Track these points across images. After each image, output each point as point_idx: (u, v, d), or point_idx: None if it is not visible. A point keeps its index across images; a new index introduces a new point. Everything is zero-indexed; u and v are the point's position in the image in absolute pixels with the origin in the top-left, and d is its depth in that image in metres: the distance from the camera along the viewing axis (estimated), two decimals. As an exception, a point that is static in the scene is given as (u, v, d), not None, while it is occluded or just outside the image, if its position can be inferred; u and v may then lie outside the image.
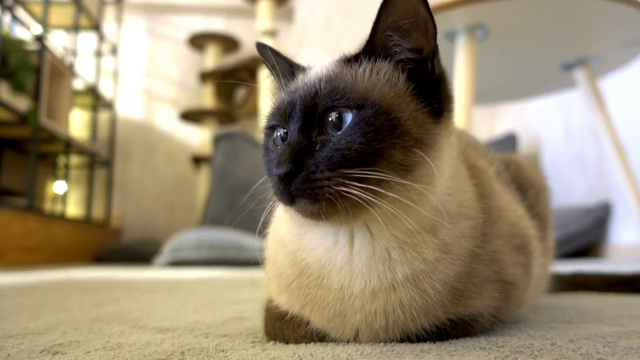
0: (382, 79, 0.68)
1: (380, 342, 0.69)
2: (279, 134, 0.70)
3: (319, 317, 0.71)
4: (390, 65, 0.69)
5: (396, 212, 0.64)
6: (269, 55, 0.78)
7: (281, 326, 0.75)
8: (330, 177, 0.61)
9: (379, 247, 0.67)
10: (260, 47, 0.79)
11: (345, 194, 0.61)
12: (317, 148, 0.64)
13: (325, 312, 0.70)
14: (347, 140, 0.63)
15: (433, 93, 0.68)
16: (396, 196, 0.63)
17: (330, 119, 0.65)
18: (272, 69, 0.78)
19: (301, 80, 0.72)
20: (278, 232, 0.78)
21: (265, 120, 0.74)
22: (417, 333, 0.69)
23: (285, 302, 0.75)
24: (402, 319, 0.67)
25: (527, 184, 1.02)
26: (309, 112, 0.66)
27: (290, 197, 0.64)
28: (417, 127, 0.65)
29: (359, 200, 0.61)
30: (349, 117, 0.64)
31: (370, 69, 0.69)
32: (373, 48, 0.69)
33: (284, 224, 0.76)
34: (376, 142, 0.62)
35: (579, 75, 2.76)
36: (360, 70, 0.69)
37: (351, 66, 0.70)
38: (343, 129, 0.64)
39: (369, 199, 0.61)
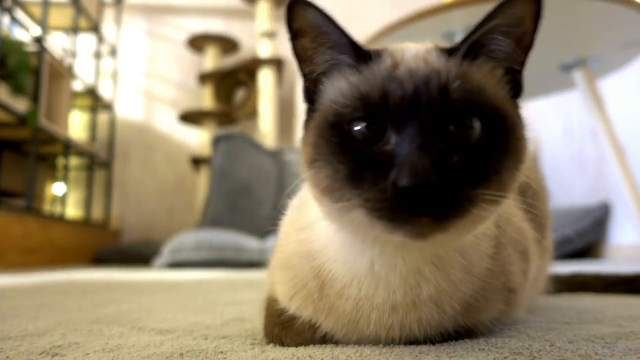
0: (502, 86, 0.61)
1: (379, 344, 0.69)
2: (360, 127, 0.55)
3: (331, 324, 0.69)
4: (502, 69, 0.60)
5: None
6: (317, 18, 0.61)
7: (283, 329, 0.73)
8: (471, 197, 0.52)
9: (418, 263, 0.62)
10: (303, 4, 0.61)
11: (475, 217, 0.54)
12: (454, 160, 0.53)
13: (339, 320, 0.68)
14: (485, 156, 0.54)
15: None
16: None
17: (462, 123, 0.55)
18: (320, 36, 0.62)
19: (403, 66, 0.58)
20: (308, 242, 0.69)
21: (339, 108, 0.58)
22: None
23: (295, 308, 0.72)
24: (415, 334, 0.66)
25: (525, 185, 1.02)
26: (436, 111, 0.54)
27: (410, 214, 0.51)
28: (525, 147, 0.59)
29: (476, 224, 0.56)
30: (478, 125, 0.55)
31: (490, 71, 0.60)
32: (474, 45, 0.59)
33: (318, 232, 0.69)
34: (506, 162, 0.56)
35: (578, 76, 2.76)
36: (482, 70, 0.59)
37: (461, 61, 0.58)
38: (478, 140, 0.55)
39: (484, 222, 0.57)
